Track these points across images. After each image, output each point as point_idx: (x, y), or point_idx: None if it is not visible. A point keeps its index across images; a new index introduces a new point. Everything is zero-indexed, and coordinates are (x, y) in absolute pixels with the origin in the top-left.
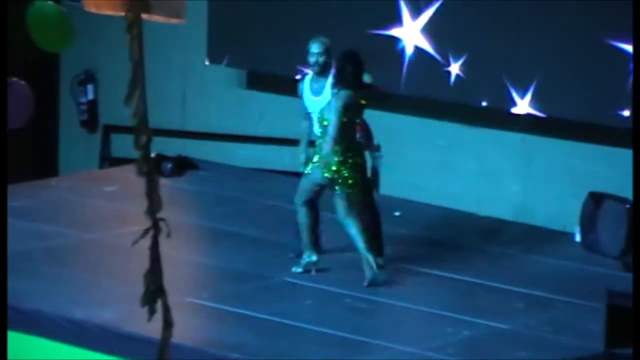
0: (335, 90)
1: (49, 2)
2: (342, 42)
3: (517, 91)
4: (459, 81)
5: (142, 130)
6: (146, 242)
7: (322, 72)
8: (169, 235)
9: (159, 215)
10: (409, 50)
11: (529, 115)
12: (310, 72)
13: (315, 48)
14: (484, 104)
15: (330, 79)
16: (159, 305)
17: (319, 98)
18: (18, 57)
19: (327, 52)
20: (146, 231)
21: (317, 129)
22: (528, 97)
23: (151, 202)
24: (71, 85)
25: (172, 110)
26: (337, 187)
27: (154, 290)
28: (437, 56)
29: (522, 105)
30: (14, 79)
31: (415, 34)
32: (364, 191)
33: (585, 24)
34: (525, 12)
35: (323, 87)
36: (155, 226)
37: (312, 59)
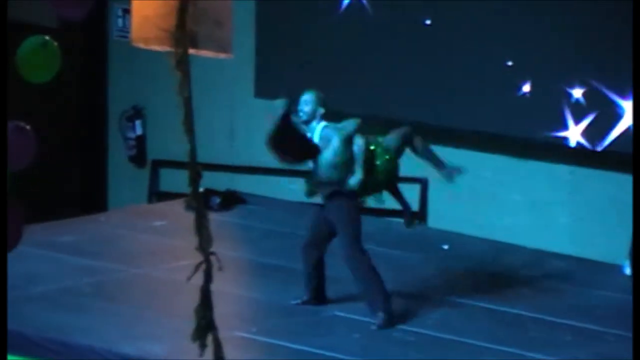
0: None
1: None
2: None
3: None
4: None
5: (191, 165)
6: (194, 276)
7: (308, 122)
8: (220, 269)
9: (210, 250)
10: None
11: (578, 145)
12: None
13: (303, 96)
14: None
15: (318, 128)
16: (209, 340)
17: None
18: (66, 95)
19: (314, 102)
20: (198, 266)
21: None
22: (581, 126)
23: (201, 238)
24: (119, 121)
25: (221, 144)
26: None
27: (205, 325)
28: None
29: (574, 133)
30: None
31: None
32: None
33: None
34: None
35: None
36: (207, 261)
37: (298, 107)
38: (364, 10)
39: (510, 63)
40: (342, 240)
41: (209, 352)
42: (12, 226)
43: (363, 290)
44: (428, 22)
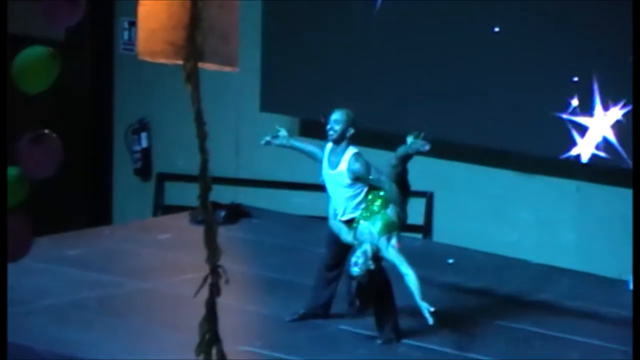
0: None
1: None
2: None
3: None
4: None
5: (202, 178)
6: (201, 290)
7: (337, 141)
8: (227, 282)
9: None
10: None
11: (589, 160)
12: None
13: (334, 115)
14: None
15: (347, 154)
16: (214, 353)
17: (335, 172)
18: (71, 107)
19: (346, 122)
20: (205, 279)
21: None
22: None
23: (210, 251)
24: (125, 133)
25: (226, 157)
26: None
27: (209, 339)
28: None
29: (584, 147)
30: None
31: None
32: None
33: None
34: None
35: (339, 161)
36: (213, 274)
37: (327, 126)
38: (373, 25)
39: (576, 79)
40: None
41: None
42: (18, 236)
43: (377, 306)
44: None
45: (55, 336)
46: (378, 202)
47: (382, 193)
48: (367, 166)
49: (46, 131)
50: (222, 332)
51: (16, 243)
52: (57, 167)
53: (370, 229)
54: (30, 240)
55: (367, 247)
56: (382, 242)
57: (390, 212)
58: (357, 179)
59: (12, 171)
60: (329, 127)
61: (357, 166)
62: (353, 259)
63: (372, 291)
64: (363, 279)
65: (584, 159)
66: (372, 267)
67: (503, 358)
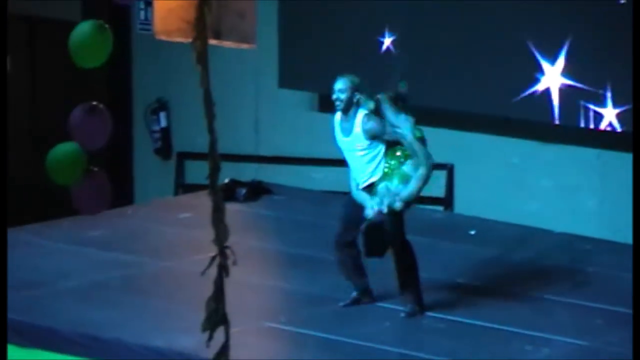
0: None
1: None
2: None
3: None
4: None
5: (211, 157)
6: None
7: (345, 109)
8: (235, 262)
9: (227, 242)
10: None
11: (608, 128)
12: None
13: (337, 84)
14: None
15: (358, 117)
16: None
17: (350, 138)
18: (90, 88)
19: (350, 89)
20: (213, 259)
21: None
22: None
23: (218, 231)
24: (144, 113)
25: (246, 135)
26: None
27: (216, 318)
28: None
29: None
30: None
31: None
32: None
33: None
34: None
35: (352, 126)
36: (222, 254)
37: (333, 96)
38: None
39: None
40: (392, 229)
41: (235, 343)
42: (95, 191)
43: (401, 279)
44: None
45: (79, 317)
46: (392, 163)
47: (398, 153)
48: (380, 121)
49: (95, 103)
50: (246, 308)
51: (95, 198)
52: (109, 138)
53: (388, 186)
54: (107, 196)
55: (383, 199)
56: (401, 187)
57: (406, 167)
58: (374, 137)
59: (68, 146)
60: (334, 97)
61: (370, 124)
62: (369, 205)
63: (381, 235)
64: (376, 218)
65: (617, 127)
66: (384, 209)
67: (527, 327)
